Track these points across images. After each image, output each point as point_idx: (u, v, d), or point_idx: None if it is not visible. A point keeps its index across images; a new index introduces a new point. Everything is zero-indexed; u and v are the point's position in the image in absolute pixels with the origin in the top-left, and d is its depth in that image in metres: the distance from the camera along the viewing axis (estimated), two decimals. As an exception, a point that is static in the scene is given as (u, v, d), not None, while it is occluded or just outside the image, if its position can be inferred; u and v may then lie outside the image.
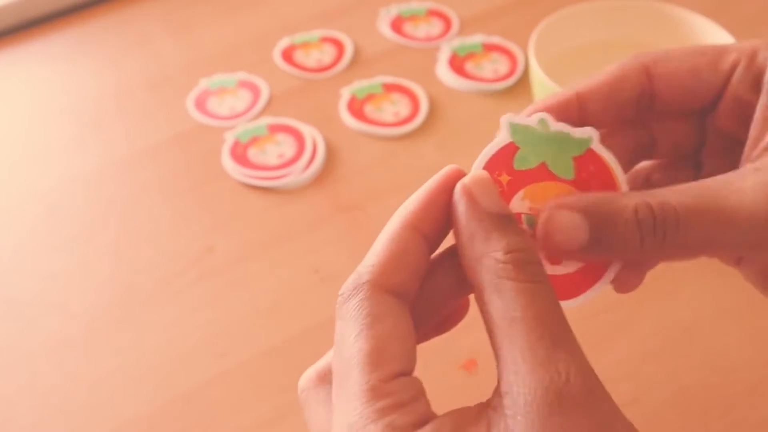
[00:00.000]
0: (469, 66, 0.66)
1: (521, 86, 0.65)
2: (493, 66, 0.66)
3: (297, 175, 0.57)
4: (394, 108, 0.63)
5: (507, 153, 0.25)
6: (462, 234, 0.23)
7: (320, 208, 0.56)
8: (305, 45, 0.71)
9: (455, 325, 0.27)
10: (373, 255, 0.24)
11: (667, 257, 0.25)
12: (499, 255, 0.22)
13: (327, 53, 0.70)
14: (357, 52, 0.70)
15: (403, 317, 0.23)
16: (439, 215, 0.25)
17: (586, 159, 0.25)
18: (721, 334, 0.46)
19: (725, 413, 0.42)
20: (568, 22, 0.58)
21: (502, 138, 0.25)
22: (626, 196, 0.24)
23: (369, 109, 0.63)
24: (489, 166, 0.25)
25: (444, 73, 0.66)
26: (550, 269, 0.25)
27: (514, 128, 0.25)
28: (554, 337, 0.21)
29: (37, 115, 0.66)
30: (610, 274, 0.25)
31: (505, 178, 0.25)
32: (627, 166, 0.29)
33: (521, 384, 0.20)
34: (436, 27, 0.72)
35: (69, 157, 0.62)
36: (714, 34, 0.55)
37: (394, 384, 0.22)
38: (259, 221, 0.55)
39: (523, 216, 0.25)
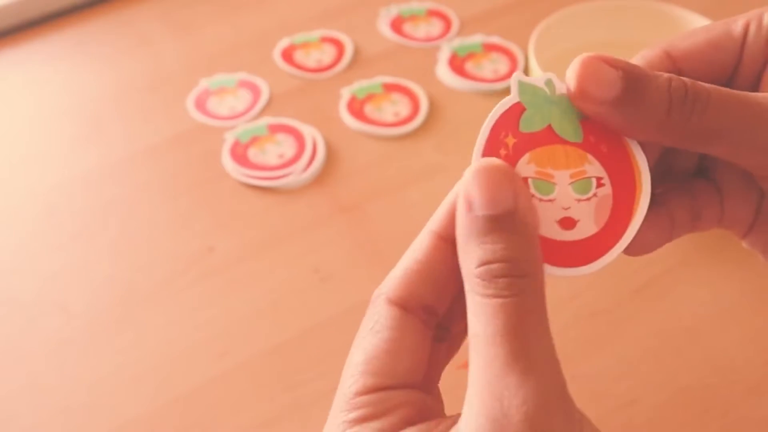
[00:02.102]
0: (469, 66, 0.66)
1: (521, 86, 0.65)
2: (493, 66, 0.66)
3: (297, 175, 0.57)
4: (394, 108, 0.63)
5: (514, 113, 0.25)
6: (457, 239, 0.23)
7: (320, 208, 0.56)
8: (305, 45, 0.71)
9: None
10: (399, 264, 0.24)
11: (688, 138, 0.24)
12: (471, 267, 0.22)
13: (327, 53, 0.70)
14: (357, 52, 0.70)
15: (402, 331, 0.23)
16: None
17: (594, 122, 0.25)
18: (720, 334, 0.46)
19: (725, 413, 0.42)
20: (568, 22, 0.58)
21: (511, 98, 0.25)
22: (658, 72, 0.24)
23: (369, 109, 0.63)
24: (497, 126, 0.24)
25: (444, 73, 0.66)
26: (565, 234, 0.24)
27: (523, 88, 0.25)
28: (511, 357, 0.20)
29: (37, 115, 0.66)
30: (628, 237, 0.24)
31: (510, 140, 0.24)
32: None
33: (469, 408, 0.20)
34: (436, 27, 0.72)
35: (69, 157, 0.62)
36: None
37: (367, 398, 0.22)
38: (259, 221, 0.55)
39: (530, 181, 0.24)
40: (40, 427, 0.44)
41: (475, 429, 0.20)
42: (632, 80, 0.23)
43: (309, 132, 0.61)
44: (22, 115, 0.67)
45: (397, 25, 0.72)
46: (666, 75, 0.24)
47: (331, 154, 0.60)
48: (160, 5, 0.78)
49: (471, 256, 0.22)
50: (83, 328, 0.49)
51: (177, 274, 0.52)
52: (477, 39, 0.69)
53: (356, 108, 0.63)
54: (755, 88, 0.27)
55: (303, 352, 0.47)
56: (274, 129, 0.61)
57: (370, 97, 0.64)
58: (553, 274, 0.24)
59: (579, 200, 0.24)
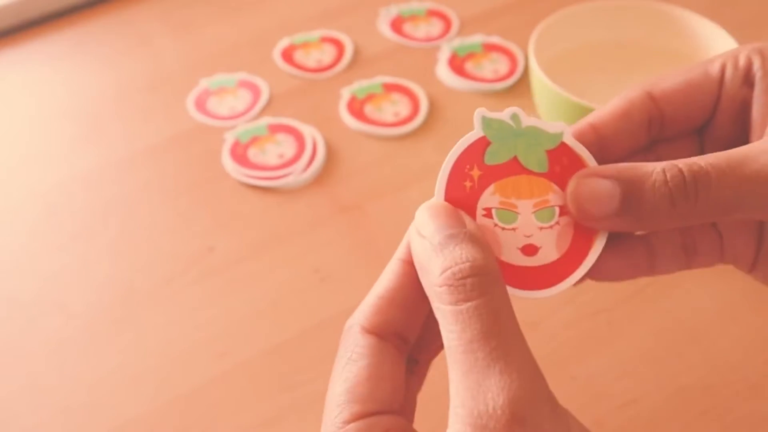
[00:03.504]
0: (469, 66, 0.66)
1: (521, 86, 0.65)
2: (492, 66, 0.66)
3: (297, 175, 0.57)
4: (394, 108, 0.63)
5: (479, 147, 0.25)
6: (418, 271, 0.24)
7: (320, 208, 0.56)
8: (305, 45, 0.71)
9: None
10: (370, 293, 0.25)
11: (701, 217, 0.24)
12: (435, 280, 0.22)
13: (327, 53, 0.70)
14: (357, 52, 0.70)
15: (379, 357, 0.24)
16: None
17: (560, 152, 0.25)
18: (720, 334, 0.46)
19: (724, 413, 0.42)
20: (568, 22, 0.58)
21: (475, 132, 0.25)
22: (650, 163, 0.24)
23: (369, 109, 0.63)
24: (460, 159, 0.25)
25: (444, 73, 0.66)
26: (527, 261, 0.25)
27: (487, 123, 0.25)
28: (490, 359, 0.21)
29: (37, 116, 0.66)
30: (587, 265, 0.25)
31: (476, 173, 0.25)
32: None
33: (454, 418, 0.21)
34: (435, 27, 0.72)
35: (69, 157, 0.62)
36: (714, 35, 0.55)
37: (355, 426, 0.23)
38: (259, 221, 0.55)
39: (493, 210, 0.25)
40: (40, 427, 0.44)
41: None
42: (628, 186, 0.24)
43: (309, 132, 0.61)
44: (22, 115, 0.67)
45: (397, 25, 0.72)
46: (660, 167, 0.24)
47: (331, 154, 0.60)
48: (160, 5, 0.78)
49: (431, 271, 0.22)
50: (83, 328, 0.49)
51: (177, 274, 0.52)
52: (477, 39, 0.69)
53: (356, 108, 0.63)
54: (736, 126, 0.27)
55: (303, 352, 0.47)
56: (274, 129, 0.61)
57: (370, 97, 0.64)
58: (513, 294, 0.24)
59: (542, 228, 0.25)
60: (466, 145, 0.25)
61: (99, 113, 0.66)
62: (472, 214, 0.25)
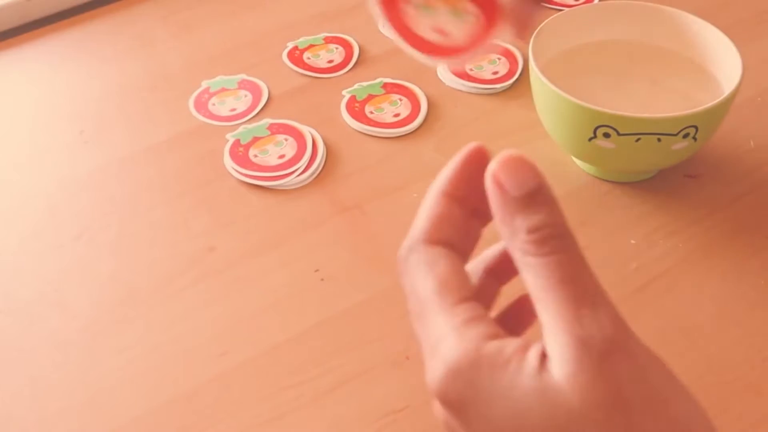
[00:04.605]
0: (469, 67, 0.66)
1: (521, 87, 0.65)
2: (492, 67, 0.66)
3: (297, 175, 0.58)
4: (394, 109, 0.63)
5: None
6: (495, 215, 0.26)
7: (320, 208, 0.56)
8: (309, 47, 0.71)
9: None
10: (417, 221, 0.28)
11: None
12: (523, 236, 0.25)
13: (335, 54, 0.70)
14: (357, 53, 0.70)
15: (454, 259, 0.27)
16: (466, 184, 0.28)
17: None
18: (719, 333, 0.46)
19: (723, 412, 0.42)
20: (568, 23, 0.58)
21: None
22: None
23: (369, 110, 0.63)
24: None
25: (444, 73, 0.66)
26: (438, 39, 0.33)
27: None
28: (578, 298, 0.23)
29: (38, 116, 0.67)
30: (479, 52, 0.33)
31: None
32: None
33: (555, 341, 0.23)
34: (436, 28, 0.72)
35: (70, 157, 0.62)
36: (712, 36, 0.55)
37: (461, 307, 0.25)
38: (260, 221, 0.55)
39: (419, 4, 0.33)
40: (40, 427, 0.44)
41: (562, 352, 0.23)
42: None
43: (309, 132, 0.61)
44: (24, 115, 0.67)
45: (397, 26, 0.72)
46: None
47: (331, 154, 0.60)
48: (162, 7, 0.78)
49: (518, 228, 0.25)
50: (83, 328, 0.49)
51: (177, 273, 0.52)
52: (477, 40, 0.69)
53: (356, 109, 0.63)
54: None
55: (303, 352, 0.47)
56: (275, 129, 0.62)
57: (370, 98, 0.64)
58: (426, 62, 0.34)
59: (453, 22, 0.32)
60: None
61: (100, 114, 0.66)
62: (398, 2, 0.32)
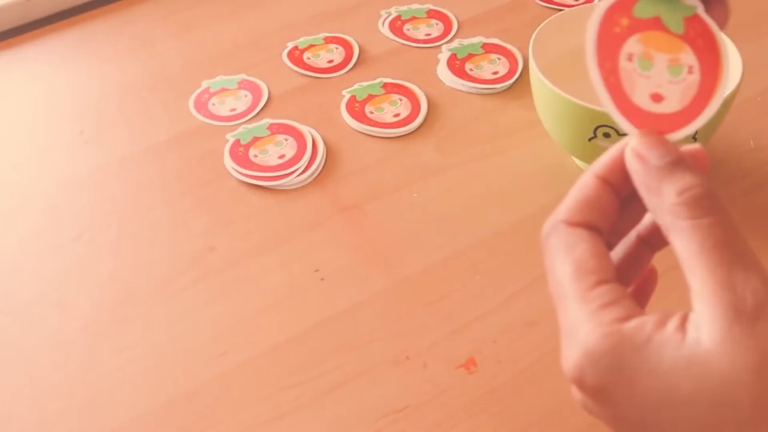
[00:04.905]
0: (469, 67, 0.66)
1: (521, 87, 0.65)
2: (492, 67, 0.66)
3: (297, 175, 0.58)
4: (394, 109, 0.63)
5: (628, 2, 0.30)
6: (641, 190, 0.26)
7: (320, 208, 0.56)
8: (309, 47, 0.71)
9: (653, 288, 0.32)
10: (565, 200, 0.28)
11: None
12: (672, 199, 0.25)
13: (335, 54, 0.70)
14: (357, 53, 0.70)
15: (595, 241, 0.27)
16: (621, 169, 0.28)
17: (694, 21, 0.29)
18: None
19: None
20: (568, 23, 0.58)
21: None
22: None
23: (369, 110, 0.63)
24: (612, 8, 0.29)
25: (444, 73, 0.66)
26: (653, 107, 0.29)
27: None
28: (731, 261, 0.24)
29: (38, 116, 0.67)
30: (700, 122, 0.29)
31: (625, 22, 0.29)
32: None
33: (705, 305, 0.23)
34: (435, 28, 0.72)
35: (70, 157, 0.62)
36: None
37: (597, 291, 0.25)
38: (260, 221, 0.55)
39: (635, 57, 0.29)
40: (40, 427, 0.44)
41: (722, 319, 0.23)
42: None
43: (309, 132, 0.61)
44: (24, 115, 0.67)
45: (397, 27, 0.73)
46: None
47: (331, 154, 0.60)
48: (162, 7, 0.78)
49: (666, 193, 0.25)
50: (84, 328, 0.49)
51: (177, 273, 0.52)
52: (477, 40, 0.70)
53: (356, 108, 0.63)
54: None
55: (303, 352, 0.47)
56: (275, 129, 0.62)
57: (370, 98, 0.64)
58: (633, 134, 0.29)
59: (670, 81, 0.29)
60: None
61: (100, 114, 0.66)
62: (617, 55, 0.29)
